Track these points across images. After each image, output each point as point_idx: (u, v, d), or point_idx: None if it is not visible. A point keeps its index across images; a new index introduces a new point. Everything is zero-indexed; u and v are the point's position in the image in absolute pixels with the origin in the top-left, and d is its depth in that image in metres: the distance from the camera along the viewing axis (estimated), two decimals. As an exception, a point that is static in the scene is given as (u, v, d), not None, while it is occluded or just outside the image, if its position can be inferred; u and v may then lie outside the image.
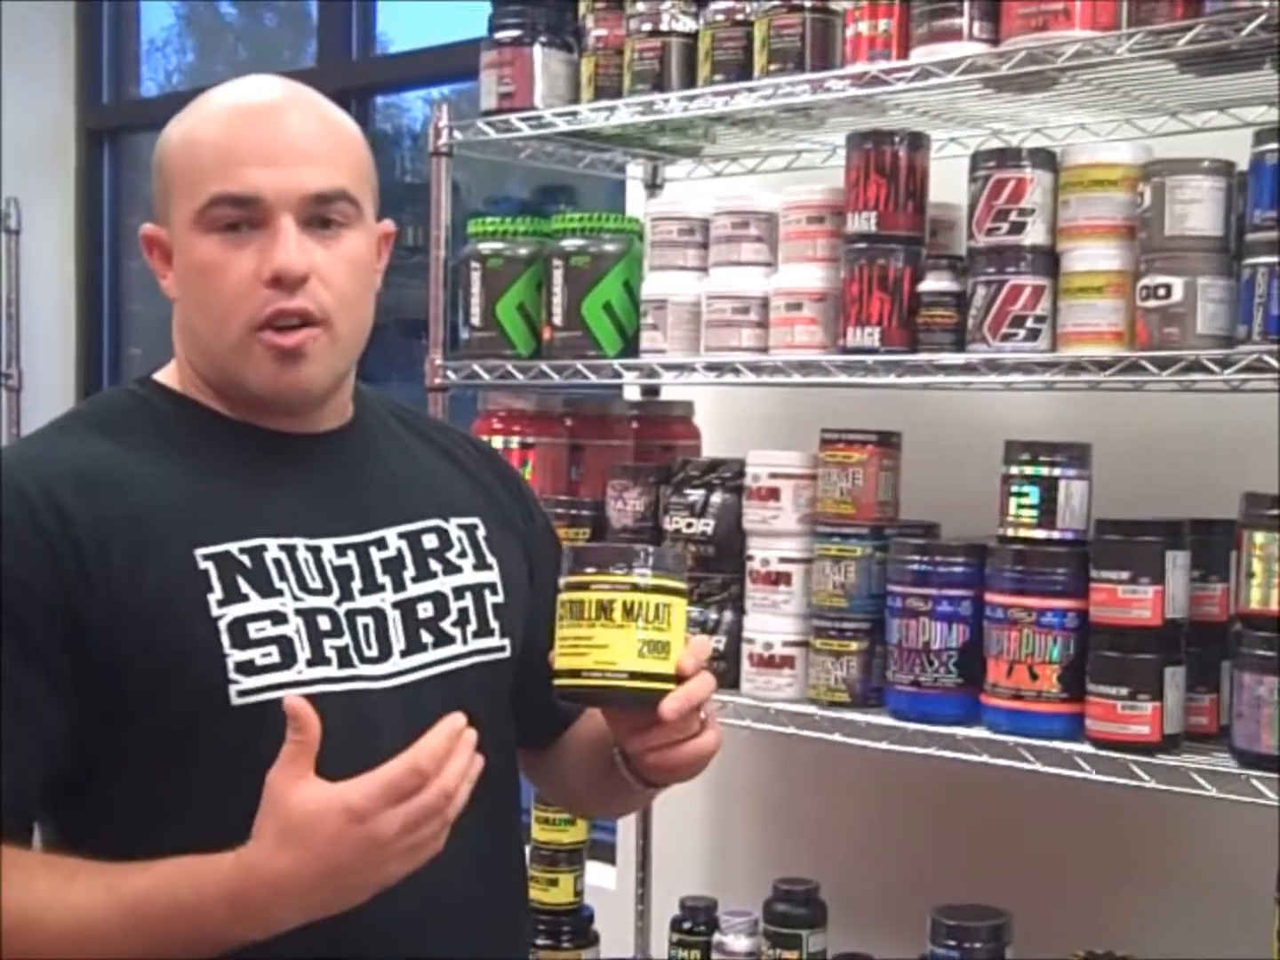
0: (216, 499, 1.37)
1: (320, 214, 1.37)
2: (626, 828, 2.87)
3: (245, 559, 1.33)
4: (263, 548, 1.34)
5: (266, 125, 1.37)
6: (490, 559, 1.48)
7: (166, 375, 1.47)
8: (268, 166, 1.34)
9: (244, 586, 1.32)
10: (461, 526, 1.48)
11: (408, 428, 1.56)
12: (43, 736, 1.29)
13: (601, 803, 1.68)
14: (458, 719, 1.24)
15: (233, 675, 1.30)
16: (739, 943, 2.35)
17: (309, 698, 1.26)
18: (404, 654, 1.39)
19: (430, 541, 1.45)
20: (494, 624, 1.46)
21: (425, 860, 1.24)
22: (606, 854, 2.96)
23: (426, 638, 1.41)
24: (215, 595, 1.31)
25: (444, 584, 1.43)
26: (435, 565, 1.44)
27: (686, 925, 2.41)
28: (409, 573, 1.42)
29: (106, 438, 1.38)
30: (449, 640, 1.42)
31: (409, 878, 1.24)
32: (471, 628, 1.44)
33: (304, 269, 1.34)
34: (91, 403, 1.52)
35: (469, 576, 1.45)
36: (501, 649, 1.46)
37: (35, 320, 4.17)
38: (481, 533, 1.49)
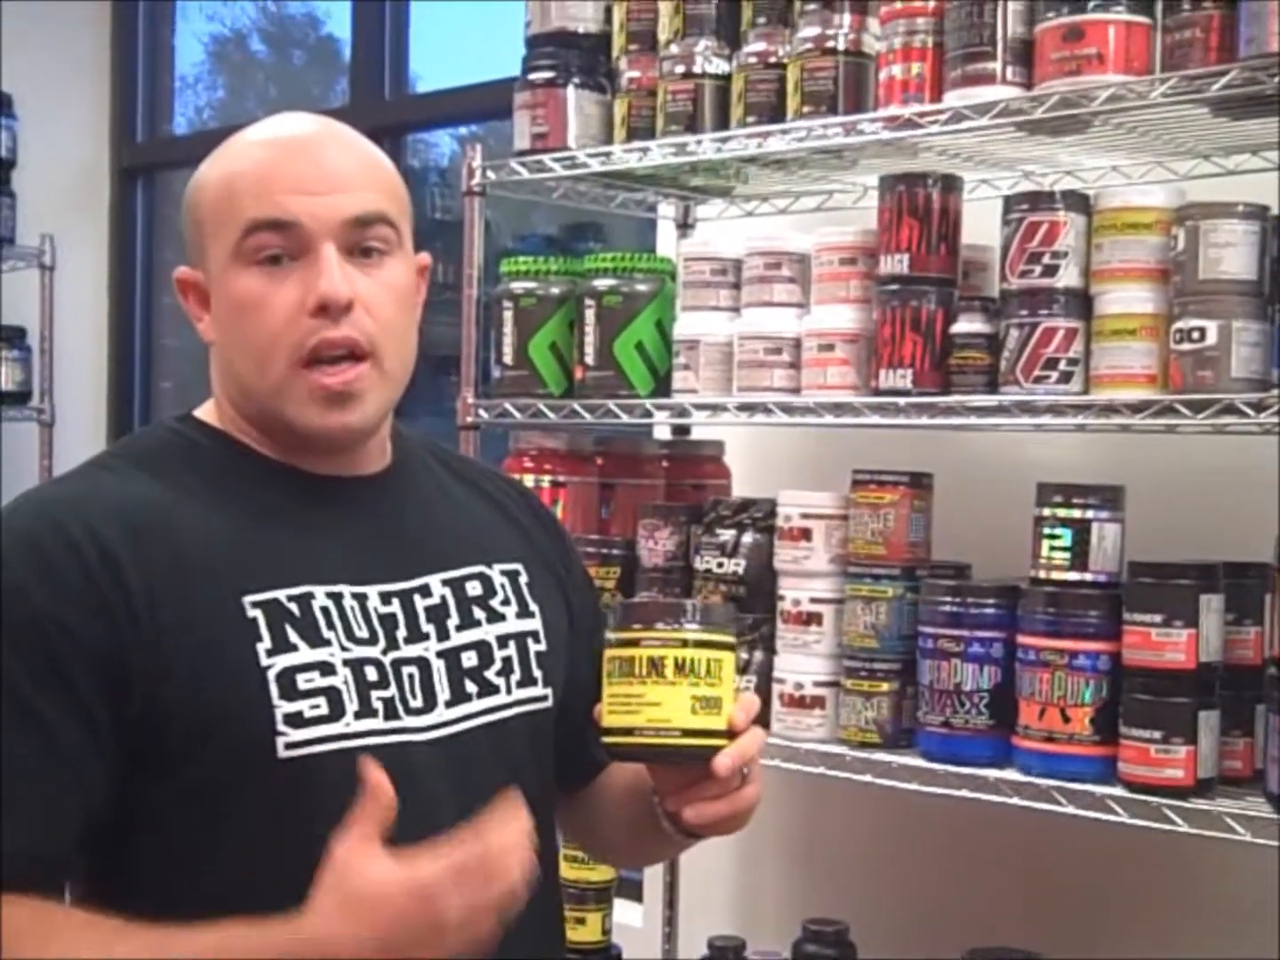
0: (262, 545, 1.33)
1: (361, 241, 1.34)
2: (654, 866, 2.87)
3: (294, 606, 1.30)
4: (310, 595, 1.31)
5: (301, 156, 1.35)
6: (533, 606, 1.46)
7: (206, 413, 1.44)
8: (306, 194, 1.32)
9: (293, 636, 1.29)
10: (504, 573, 1.46)
11: (448, 470, 1.53)
12: (83, 789, 1.25)
13: (634, 851, 1.66)
14: (523, 816, 1.19)
15: (281, 728, 1.26)
16: (768, 983, 2.35)
17: (355, 750, 1.25)
18: (449, 704, 1.36)
19: (474, 589, 1.43)
20: (537, 673, 1.43)
21: (479, 948, 1.19)
22: (633, 892, 2.96)
23: (471, 687, 1.38)
24: (264, 645, 1.27)
25: (488, 632, 1.41)
26: (479, 613, 1.41)
27: (714, 966, 2.40)
28: (453, 621, 1.39)
29: (149, 477, 1.34)
30: (494, 690, 1.39)
31: None
32: (515, 677, 1.41)
33: (348, 295, 1.31)
34: (132, 440, 1.48)
35: (512, 625, 1.43)
36: (544, 698, 1.44)
37: (68, 355, 4.20)
38: (524, 579, 1.47)
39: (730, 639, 1.34)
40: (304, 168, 1.34)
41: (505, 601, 1.44)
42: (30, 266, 4.04)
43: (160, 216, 4.55)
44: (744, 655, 2.23)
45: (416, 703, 1.34)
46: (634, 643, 1.31)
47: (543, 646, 1.44)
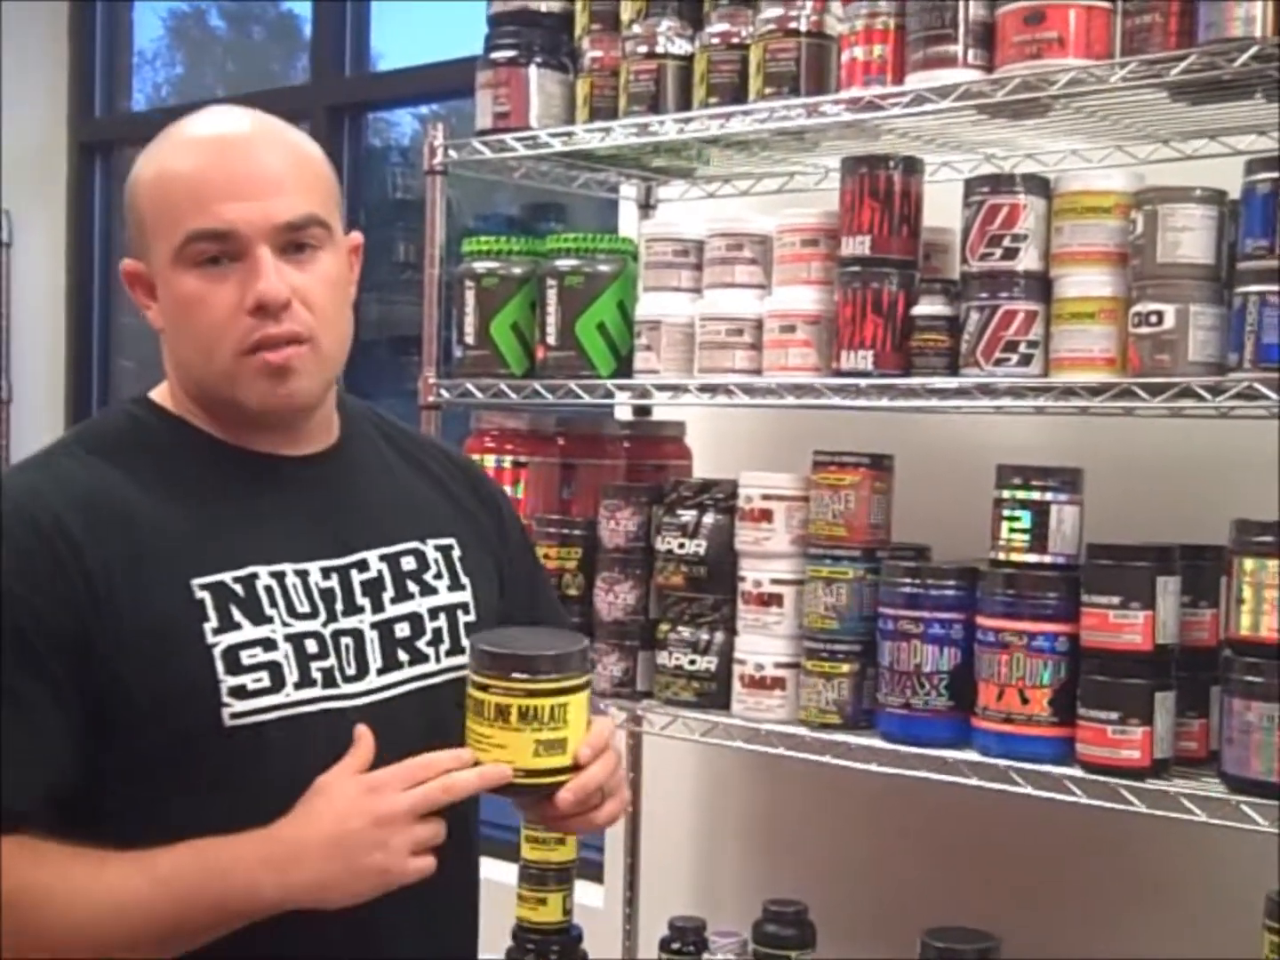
0: (211, 529, 1.44)
1: (294, 240, 1.43)
2: (614, 847, 2.88)
3: (238, 588, 1.41)
4: (254, 576, 1.43)
5: (234, 160, 1.42)
6: (464, 579, 1.56)
7: (160, 395, 1.53)
8: (240, 200, 1.40)
9: (237, 615, 1.40)
10: (438, 548, 1.56)
11: (391, 444, 1.62)
12: (49, 749, 1.36)
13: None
14: (464, 754, 1.39)
15: (226, 699, 1.38)
16: (728, 963, 2.36)
17: (295, 718, 1.40)
18: (380, 672, 1.48)
19: (408, 564, 1.53)
20: (465, 643, 1.52)
21: (416, 871, 1.36)
22: (594, 873, 2.96)
23: (403, 656, 1.49)
24: (211, 624, 1.39)
25: (420, 605, 1.52)
26: (413, 587, 1.52)
27: (675, 945, 2.41)
28: (388, 594, 1.51)
29: (107, 463, 1.44)
30: (424, 659, 1.51)
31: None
32: (445, 646, 1.52)
33: (285, 295, 1.41)
34: (91, 424, 1.57)
35: (443, 597, 1.54)
36: None
37: (25, 333, 4.17)
38: (456, 553, 1.57)
39: (582, 680, 1.45)
40: (238, 173, 1.42)
41: (438, 575, 1.55)
42: (-13, 243, 4.01)
43: (119, 193, 4.51)
44: (704, 636, 2.24)
45: (350, 671, 1.45)
46: (485, 688, 1.42)
47: (472, 618, 1.55)
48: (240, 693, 1.39)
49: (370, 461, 1.59)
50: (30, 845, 1.34)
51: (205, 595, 1.40)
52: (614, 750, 1.49)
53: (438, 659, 1.52)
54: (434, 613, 1.53)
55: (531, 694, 1.40)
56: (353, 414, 1.60)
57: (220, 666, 1.38)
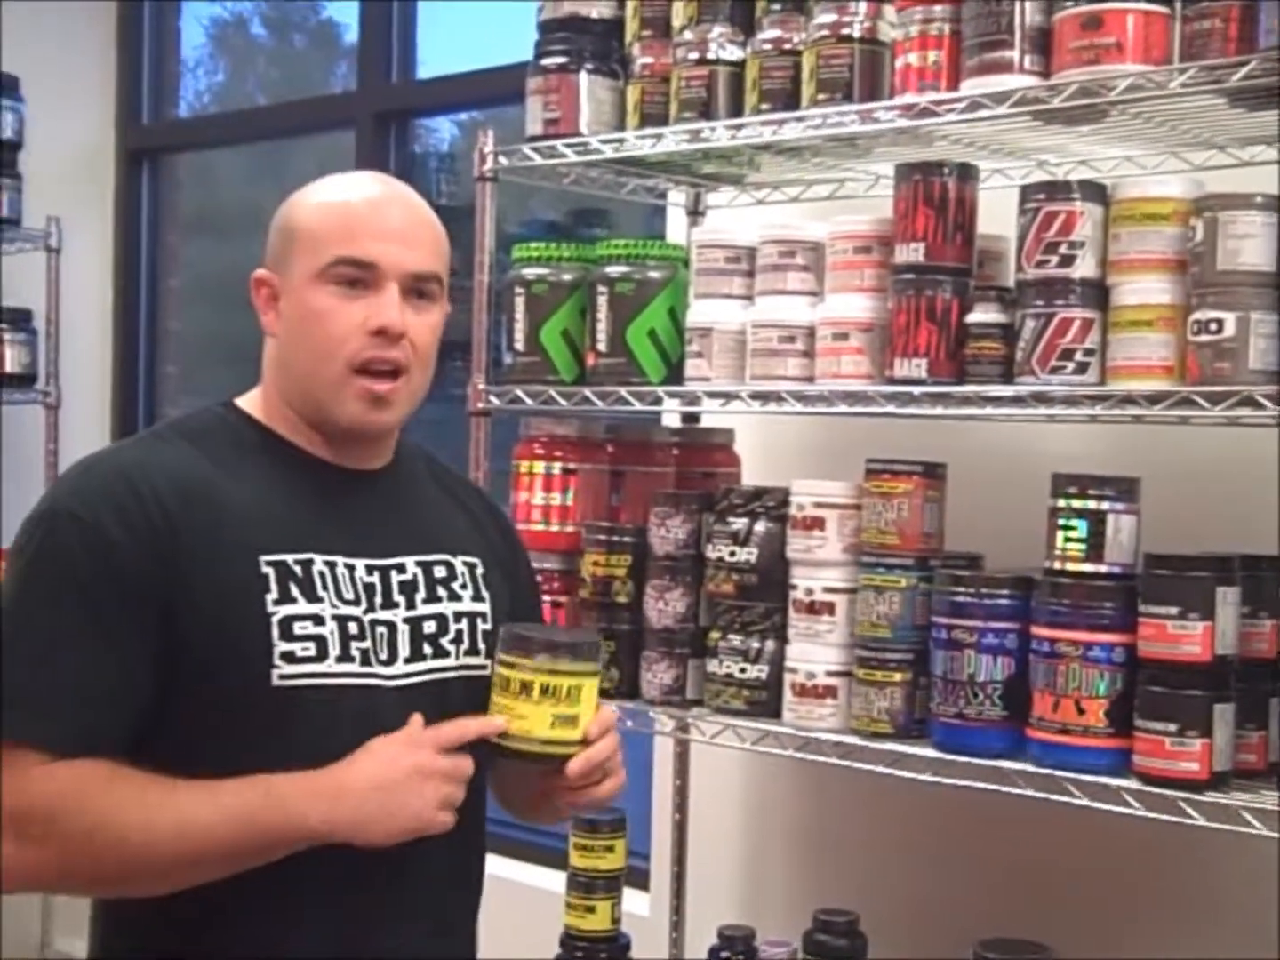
0: (279, 517, 1.64)
1: (417, 288, 1.67)
2: (661, 854, 2.87)
3: (298, 569, 1.61)
4: (311, 561, 1.63)
5: (387, 209, 1.68)
6: (485, 593, 1.76)
7: (248, 402, 1.73)
8: (385, 242, 1.65)
9: (294, 591, 1.60)
10: (466, 564, 1.76)
11: (434, 478, 1.84)
12: (135, 684, 1.55)
13: (527, 811, 1.90)
14: (497, 722, 1.62)
15: (276, 662, 1.57)
16: (777, 973, 2.35)
17: (331, 688, 1.59)
18: (407, 660, 1.67)
19: (440, 572, 1.73)
20: (481, 646, 1.73)
21: (441, 823, 1.57)
22: (640, 881, 2.96)
23: (427, 650, 1.69)
24: (272, 595, 1.59)
25: (447, 608, 1.72)
26: (442, 592, 1.72)
27: (725, 954, 2.40)
28: (420, 595, 1.70)
29: (197, 450, 1.65)
30: (445, 654, 1.70)
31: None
32: (464, 647, 1.72)
33: (403, 328, 1.65)
34: (183, 419, 1.76)
35: (467, 605, 1.74)
36: (484, 668, 1.71)
37: (74, 338, 4.19)
38: (480, 571, 1.77)
39: (592, 668, 1.66)
40: (388, 220, 1.67)
41: (464, 586, 1.75)
42: (36, 249, 4.01)
43: (165, 199, 4.54)
44: (755, 644, 2.23)
45: (383, 656, 1.65)
46: (511, 666, 1.62)
47: (488, 626, 1.74)
48: (290, 658, 1.57)
49: (417, 484, 1.80)
50: (112, 767, 1.53)
51: (270, 570, 1.59)
52: (615, 733, 1.70)
53: (456, 656, 1.70)
54: (457, 616, 1.72)
55: (553, 673, 1.61)
56: (406, 447, 1.82)
57: (275, 632, 1.57)
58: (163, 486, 1.58)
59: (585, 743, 1.63)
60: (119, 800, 1.52)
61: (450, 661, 1.70)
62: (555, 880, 2.60)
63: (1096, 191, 1.97)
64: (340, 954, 1.61)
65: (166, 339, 4.59)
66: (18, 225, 3.97)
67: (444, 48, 3.99)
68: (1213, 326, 1.82)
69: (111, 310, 4.49)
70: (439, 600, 1.71)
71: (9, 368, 4.00)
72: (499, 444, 2.55)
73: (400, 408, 1.68)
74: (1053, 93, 1.92)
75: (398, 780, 1.55)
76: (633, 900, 2.85)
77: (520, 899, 2.90)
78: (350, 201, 1.68)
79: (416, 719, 1.61)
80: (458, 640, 1.71)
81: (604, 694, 2.31)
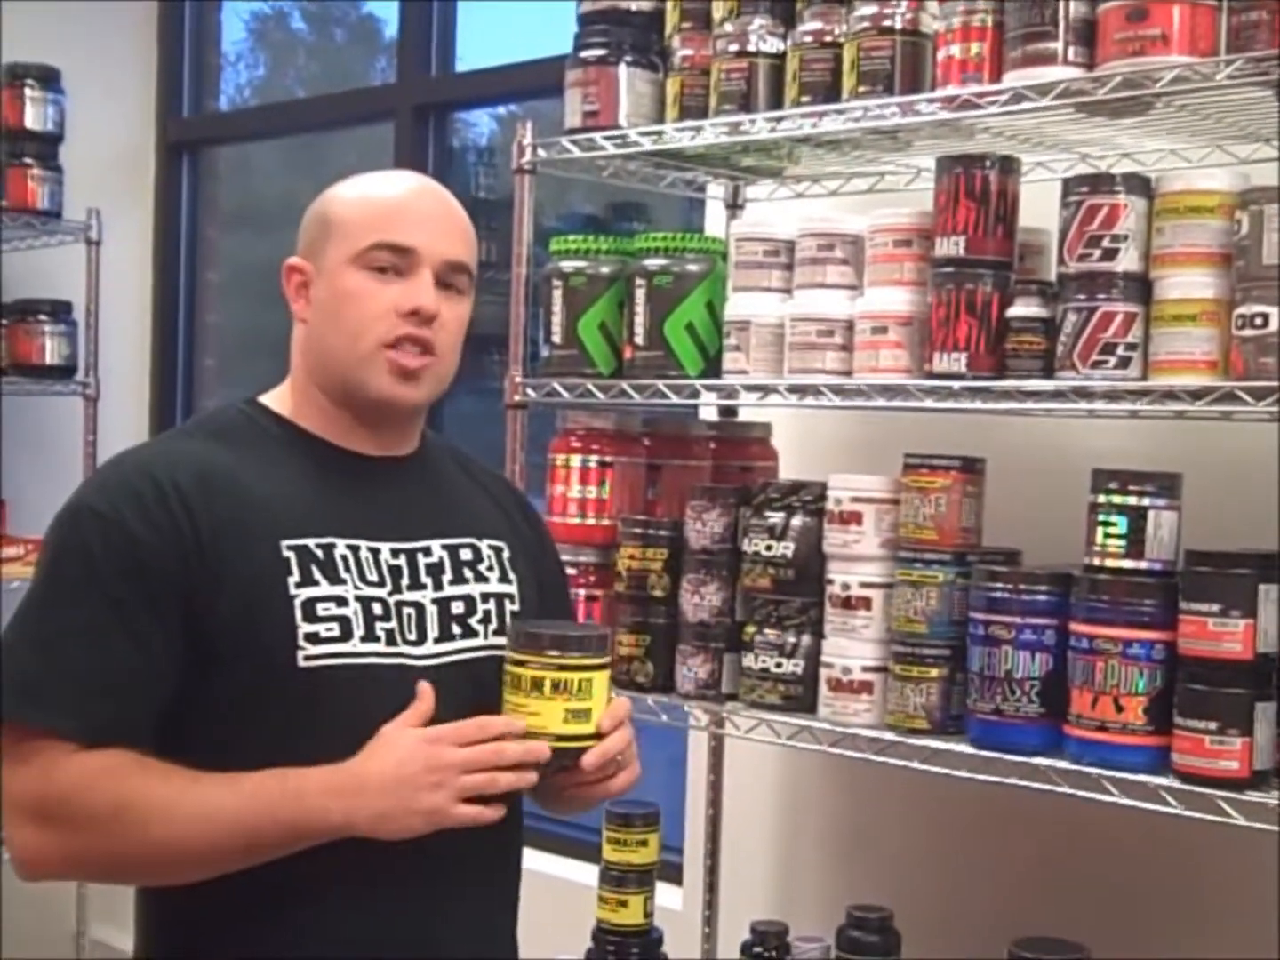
0: (301, 504, 1.68)
1: (448, 279, 1.71)
2: (694, 848, 2.87)
3: (319, 552, 1.64)
4: (333, 545, 1.66)
5: (426, 201, 1.74)
6: (511, 576, 1.79)
7: (272, 399, 1.77)
8: (423, 230, 1.69)
9: (316, 574, 1.63)
10: (491, 547, 1.79)
11: (459, 467, 1.87)
12: (159, 674, 1.58)
13: (549, 802, 1.86)
14: (516, 723, 1.61)
15: (301, 643, 1.60)
16: (810, 969, 2.34)
17: (359, 667, 1.61)
18: (436, 640, 1.69)
19: (466, 554, 1.76)
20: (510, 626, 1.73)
21: (460, 815, 1.56)
22: (673, 875, 2.95)
23: (456, 630, 1.71)
24: (294, 579, 1.62)
25: (474, 589, 1.74)
26: (468, 574, 1.75)
27: (758, 949, 2.40)
28: (447, 576, 1.73)
29: (218, 444, 1.69)
30: (474, 634, 1.72)
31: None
32: (492, 627, 1.74)
33: (436, 309, 1.69)
34: (205, 416, 1.83)
35: (494, 587, 1.76)
36: None
37: (113, 330, 4.20)
38: (506, 554, 1.80)
39: (602, 661, 1.66)
40: (428, 210, 1.73)
41: (490, 568, 1.77)
42: (77, 241, 4.02)
43: (205, 192, 4.55)
44: (791, 639, 2.23)
45: (412, 636, 1.68)
46: (523, 663, 1.63)
47: (516, 608, 1.77)
48: (314, 639, 1.60)
49: (442, 472, 1.83)
50: (136, 757, 1.56)
51: (291, 555, 1.62)
52: (629, 725, 1.69)
53: (485, 636, 1.72)
54: (485, 597, 1.74)
55: (563, 668, 1.61)
56: (433, 440, 1.86)
57: (299, 614, 1.60)
58: (185, 480, 1.62)
59: (598, 736, 1.64)
60: (141, 789, 1.54)
61: (479, 641, 1.72)
62: (588, 874, 2.59)
63: (1140, 184, 1.95)
64: (377, 952, 1.62)
65: (205, 332, 4.61)
66: (59, 218, 3.98)
67: (483, 41, 3.99)
68: (1257, 321, 1.80)
69: (151, 303, 4.50)
70: (465, 582, 1.73)
71: (49, 359, 4.01)
72: (536, 437, 2.55)
73: (428, 385, 1.71)
74: (1097, 85, 1.90)
75: (414, 776, 1.56)
76: (665, 894, 2.85)
77: (553, 892, 2.89)
78: (387, 192, 1.73)
79: (424, 702, 1.61)
80: (486, 620, 1.73)
81: (640, 688, 2.34)
